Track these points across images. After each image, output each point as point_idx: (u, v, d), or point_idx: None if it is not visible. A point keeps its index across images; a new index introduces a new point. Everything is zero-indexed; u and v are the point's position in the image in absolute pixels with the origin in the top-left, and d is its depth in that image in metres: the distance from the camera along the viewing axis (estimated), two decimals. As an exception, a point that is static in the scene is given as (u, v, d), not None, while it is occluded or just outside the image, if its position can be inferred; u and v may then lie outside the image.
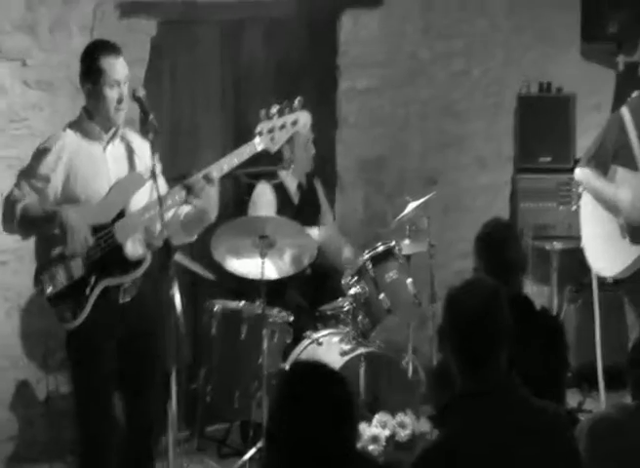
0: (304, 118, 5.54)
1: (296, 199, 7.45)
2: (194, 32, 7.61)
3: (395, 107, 8.27)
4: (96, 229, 5.31)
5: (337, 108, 7.95)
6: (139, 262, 5.34)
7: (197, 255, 6.69)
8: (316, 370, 3.50)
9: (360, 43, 8.09)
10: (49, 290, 5.37)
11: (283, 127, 5.45)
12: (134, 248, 5.34)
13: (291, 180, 7.43)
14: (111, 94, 5.33)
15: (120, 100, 5.34)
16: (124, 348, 5.44)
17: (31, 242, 5.53)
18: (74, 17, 6.94)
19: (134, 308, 5.43)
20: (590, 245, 6.71)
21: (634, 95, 6.75)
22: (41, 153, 5.39)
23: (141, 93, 5.33)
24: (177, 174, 5.63)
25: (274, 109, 5.42)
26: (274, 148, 5.55)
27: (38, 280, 5.44)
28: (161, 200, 5.05)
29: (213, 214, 5.58)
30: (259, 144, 5.43)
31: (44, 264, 5.40)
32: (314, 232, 7.28)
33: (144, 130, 5.32)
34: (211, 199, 5.44)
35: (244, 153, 5.44)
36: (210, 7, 7.44)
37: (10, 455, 7.00)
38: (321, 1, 7.90)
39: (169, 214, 5.42)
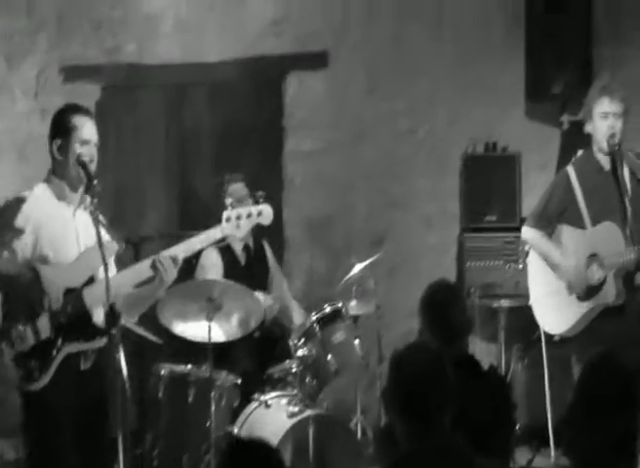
0: (267, 211, 5.66)
1: (242, 260, 7.49)
2: (137, 96, 7.78)
3: (341, 168, 8.38)
4: (66, 292, 5.32)
5: (283, 170, 8.05)
6: (103, 330, 5.25)
7: (143, 319, 6.50)
8: (254, 451, 3.61)
9: (305, 105, 8.24)
10: (17, 348, 5.31)
11: (249, 216, 5.59)
12: (100, 316, 5.28)
13: (237, 243, 7.44)
14: (81, 150, 5.36)
15: (91, 160, 5.38)
16: (79, 413, 5.40)
17: None
18: (17, 81, 7.13)
19: (92, 374, 5.39)
20: (539, 302, 6.81)
21: (579, 154, 6.94)
22: (7, 209, 5.41)
23: (85, 158, 5.34)
24: (123, 236, 5.74)
25: (241, 199, 5.74)
26: (238, 235, 5.77)
27: (3, 338, 5.36)
28: (107, 267, 5.07)
29: (164, 290, 5.62)
30: (225, 229, 5.56)
31: (11, 322, 5.33)
32: (264, 298, 7.27)
33: (89, 194, 5.32)
34: (171, 278, 5.48)
35: (210, 237, 5.57)
36: (152, 71, 7.64)
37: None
38: (265, 63, 8.04)
39: (130, 289, 5.50)
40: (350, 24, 8.35)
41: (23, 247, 5.37)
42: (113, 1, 7.47)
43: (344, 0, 8.31)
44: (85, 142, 5.39)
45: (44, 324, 5.30)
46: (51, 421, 5.39)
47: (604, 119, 6.46)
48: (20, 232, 5.36)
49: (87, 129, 5.43)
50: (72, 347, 5.35)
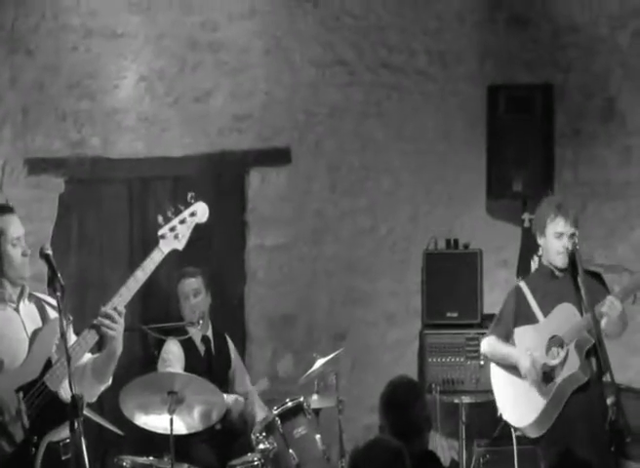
0: (202, 208, 5.62)
1: (202, 351, 7.59)
2: (101, 189, 7.89)
3: (302, 264, 8.50)
4: (28, 388, 5.29)
5: (245, 263, 8.15)
6: (74, 411, 4.99)
7: (105, 410, 6.76)
8: None
9: (268, 200, 8.39)
10: None
11: (183, 222, 5.55)
12: (67, 392, 5.06)
13: (196, 335, 7.58)
14: (14, 251, 5.34)
15: (25, 254, 5.34)
16: None
17: None
18: None
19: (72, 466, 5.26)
20: (504, 402, 6.94)
21: (536, 261, 7.33)
22: None
23: (49, 250, 5.29)
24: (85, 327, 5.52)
25: (169, 212, 5.53)
26: (181, 246, 5.60)
27: None
28: (68, 352, 4.98)
29: (119, 350, 5.43)
30: (165, 246, 5.51)
31: None
32: (228, 397, 7.38)
33: (52, 288, 5.20)
34: (118, 332, 5.33)
35: (153, 261, 5.49)
36: (116, 164, 7.77)
37: None
38: (228, 158, 8.19)
39: (83, 361, 5.41)
40: (313, 122, 8.51)
41: None
42: (79, 94, 7.61)
43: (307, 98, 8.49)
44: (17, 240, 5.34)
45: (16, 428, 5.26)
46: None
47: (558, 239, 6.65)
48: None
49: (14, 227, 5.37)
50: (50, 436, 5.30)
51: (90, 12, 7.63)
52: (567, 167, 8.79)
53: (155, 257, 5.50)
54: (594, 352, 6.69)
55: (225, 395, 7.30)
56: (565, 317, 6.68)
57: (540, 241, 6.83)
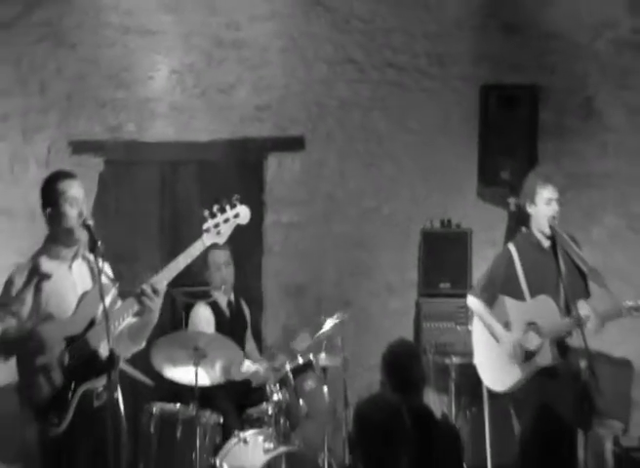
0: (244, 211, 5.64)
1: (227, 314, 7.63)
2: (136, 170, 7.90)
3: (313, 240, 8.49)
4: (71, 340, 5.37)
5: (263, 239, 8.13)
6: (110, 364, 5.08)
7: (138, 363, 6.70)
8: None
9: (283, 183, 8.38)
10: (35, 399, 5.37)
11: (227, 221, 5.57)
12: (106, 350, 5.13)
13: (222, 299, 7.63)
14: (71, 211, 5.40)
15: (81, 215, 5.40)
16: (88, 446, 5.43)
17: None
18: (31, 153, 7.26)
19: (103, 412, 5.28)
20: (482, 363, 7.04)
21: (520, 232, 7.21)
22: (10, 282, 5.44)
23: (90, 222, 5.40)
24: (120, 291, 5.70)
25: (216, 208, 5.58)
26: (222, 241, 5.65)
27: (22, 391, 5.46)
28: (107, 315, 5.08)
29: (156, 319, 5.57)
30: (207, 240, 5.54)
31: (27, 377, 5.40)
32: (249, 364, 7.46)
33: (93, 254, 5.33)
34: (157, 304, 5.46)
35: (196, 249, 5.54)
36: (149, 148, 7.75)
37: None
38: (249, 145, 8.16)
39: (123, 325, 5.50)
40: (325, 113, 8.50)
41: (27, 311, 5.42)
42: (116, 84, 7.60)
43: (320, 92, 8.47)
44: (74, 201, 5.43)
45: (56, 373, 5.34)
46: (67, 456, 5.42)
47: (548, 204, 6.72)
48: (22, 301, 5.41)
49: (73, 189, 5.46)
50: (86, 385, 5.39)
51: (127, 11, 7.64)
52: (549, 158, 8.76)
53: (197, 247, 5.57)
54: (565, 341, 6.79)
55: (248, 363, 7.42)
56: (545, 309, 6.70)
57: (530, 209, 6.86)
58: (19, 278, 5.45)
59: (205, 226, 5.58)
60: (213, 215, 5.58)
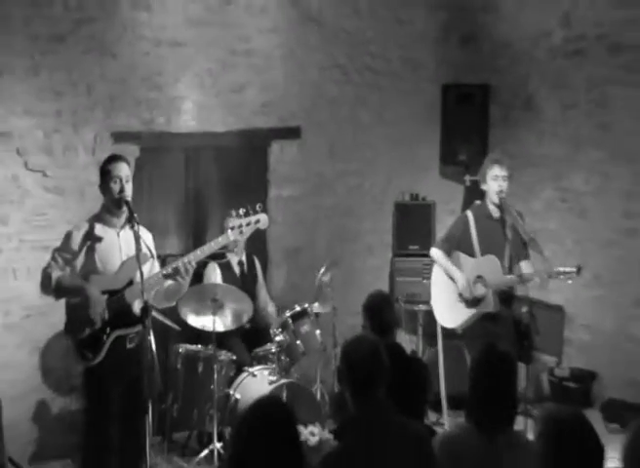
0: (264, 219, 5.55)
1: (237, 272, 7.49)
2: (165, 155, 7.73)
3: (309, 211, 8.39)
4: (112, 293, 5.36)
5: (268, 211, 7.79)
6: (145, 313, 5.11)
7: (168, 312, 6.69)
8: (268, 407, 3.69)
9: (285, 164, 8.24)
10: (77, 337, 5.39)
11: (249, 224, 5.48)
12: (139, 307, 5.29)
13: (233, 259, 7.51)
14: (115, 187, 5.39)
15: (121, 190, 5.39)
16: (124, 380, 5.42)
17: (49, 301, 5.58)
18: (80, 141, 7.08)
19: (135, 352, 5.39)
20: (437, 303, 6.98)
21: (476, 203, 7.10)
22: (70, 235, 5.45)
23: (129, 198, 5.41)
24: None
25: (242, 211, 5.48)
26: (242, 239, 5.61)
27: (68, 329, 5.47)
28: (142, 275, 5.03)
29: (187, 286, 5.58)
30: (231, 236, 5.45)
31: (73, 320, 5.43)
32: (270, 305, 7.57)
33: (131, 225, 5.29)
34: (190, 276, 5.46)
35: (220, 242, 5.45)
36: (176, 137, 7.58)
37: (30, 455, 7.08)
38: (257, 134, 8.00)
39: (159, 287, 5.50)
40: (317, 108, 8.37)
41: (80, 263, 5.43)
42: (150, 86, 7.44)
43: (313, 91, 8.32)
44: (117, 178, 5.41)
45: (97, 318, 5.34)
46: (102, 386, 5.43)
47: (494, 180, 6.60)
48: (77, 253, 5.42)
49: (117, 169, 5.43)
50: (119, 332, 5.41)
51: (158, 26, 7.47)
52: (497, 144, 8.71)
53: (222, 240, 5.50)
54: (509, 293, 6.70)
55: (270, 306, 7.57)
56: (491, 266, 6.57)
57: (484, 186, 6.73)
58: (76, 234, 5.45)
59: (231, 224, 5.52)
60: (239, 216, 5.51)
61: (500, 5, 8.52)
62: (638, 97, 7.49)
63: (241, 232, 5.50)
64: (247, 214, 5.53)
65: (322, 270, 7.43)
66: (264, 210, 5.69)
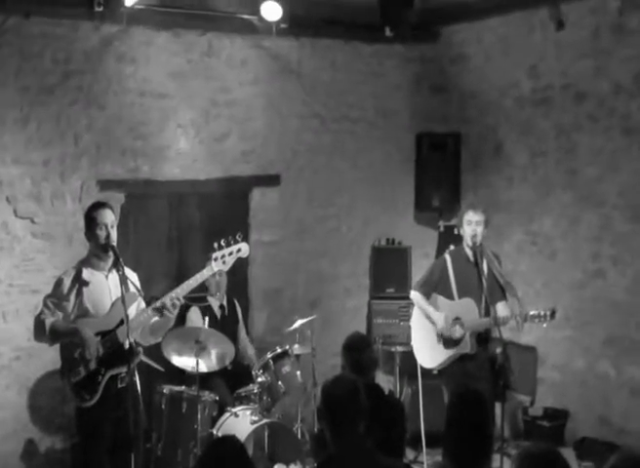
0: (244, 247, 5.62)
1: (218, 315, 7.50)
2: (150, 202, 7.78)
3: (288, 254, 8.43)
4: (104, 334, 5.40)
5: (249, 253, 7.92)
6: (130, 355, 5.25)
7: (152, 353, 6.63)
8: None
9: (265, 209, 8.30)
10: (73, 380, 5.42)
11: (231, 254, 5.56)
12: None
13: (214, 303, 7.52)
14: (100, 233, 5.43)
15: (107, 236, 5.44)
16: (113, 418, 5.46)
17: (37, 343, 5.51)
18: (68, 189, 7.12)
19: (125, 393, 5.40)
20: (417, 344, 7.02)
21: (452, 247, 7.18)
22: (60, 282, 5.49)
23: (114, 243, 5.46)
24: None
25: (223, 242, 5.55)
26: (226, 269, 5.66)
27: (64, 373, 5.49)
28: (127, 317, 5.13)
29: (172, 322, 5.65)
30: (215, 267, 5.53)
31: (69, 363, 5.44)
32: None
33: (116, 268, 5.36)
34: (177, 310, 5.51)
35: (205, 274, 5.52)
36: (160, 185, 7.64)
37: (18, 494, 7.03)
38: (238, 181, 8.08)
39: (145, 323, 5.54)
40: (296, 156, 8.45)
41: (71, 307, 5.46)
42: (135, 136, 7.50)
43: (292, 140, 8.40)
44: (103, 225, 5.45)
45: (91, 362, 5.39)
46: (96, 424, 5.46)
47: (468, 225, 6.69)
48: (67, 297, 5.45)
49: (101, 216, 5.46)
50: (112, 371, 5.44)
51: (143, 79, 7.56)
52: (469, 189, 8.87)
53: (206, 273, 5.57)
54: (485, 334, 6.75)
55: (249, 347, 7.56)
56: (468, 308, 6.65)
57: (461, 231, 6.82)
58: (66, 280, 5.48)
59: (214, 256, 5.58)
60: (220, 248, 5.57)
61: (469, 57, 8.69)
62: (603, 143, 7.66)
63: (224, 262, 5.57)
64: (228, 245, 5.59)
65: (298, 321, 7.46)
66: (240, 235, 5.74)
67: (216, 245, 5.55)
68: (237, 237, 5.63)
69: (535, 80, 8.17)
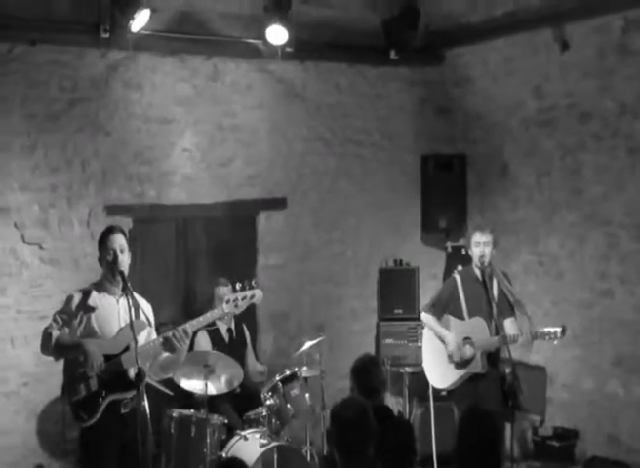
0: (259, 294, 5.63)
1: (227, 339, 7.50)
2: (157, 226, 7.81)
3: (295, 277, 8.44)
4: (108, 357, 5.36)
5: (256, 276, 7.84)
6: (139, 379, 5.13)
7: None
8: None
9: (271, 233, 8.32)
10: (73, 398, 5.39)
11: (244, 299, 5.58)
12: (134, 373, 5.20)
13: (222, 326, 7.52)
14: (109, 258, 5.43)
15: (114, 261, 5.43)
16: (119, 443, 5.41)
17: (45, 369, 5.62)
18: (75, 215, 7.18)
19: (129, 417, 5.35)
20: (428, 365, 6.98)
21: (460, 268, 7.22)
22: (71, 299, 5.50)
23: (122, 268, 5.43)
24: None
25: (238, 285, 5.59)
26: (237, 312, 5.70)
27: (65, 391, 5.47)
28: (136, 342, 5.11)
29: (183, 357, 5.65)
30: (227, 309, 5.58)
31: (71, 381, 5.42)
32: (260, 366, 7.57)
33: (124, 294, 5.36)
34: (185, 346, 5.50)
35: (215, 315, 5.61)
36: (167, 209, 7.68)
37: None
38: (244, 205, 8.10)
39: (156, 355, 5.50)
40: (302, 179, 8.48)
41: (79, 326, 5.44)
42: (141, 161, 7.54)
43: (298, 163, 8.43)
44: (112, 250, 5.45)
45: (93, 381, 5.36)
46: (97, 449, 5.41)
47: (477, 246, 6.70)
48: (75, 315, 5.45)
49: (111, 241, 5.48)
50: (114, 396, 5.40)
51: (148, 105, 7.61)
52: (476, 210, 8.90)
53: (218, 312, 5.65)
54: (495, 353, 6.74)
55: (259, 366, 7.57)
56: (478, 328, 6.65)
57: (470, 252, 6.83)
58: (76, 297, 5.48)
59: (226, 298, 5.65)
60: (235, 290, 5.64)
61: (474, 79, 8.71)
62: (608, 162, 7.68)
63: (236, 306, 5.61)
64: (243, 289, 5.62)
65: (307, 343, 7.44)
66: (251, 273, 5.81)
67: (230, 286, 5.76)
68: (253, 283, 5.68)
69: (540, 100, 8.20)
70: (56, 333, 5.41)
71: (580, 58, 7.70)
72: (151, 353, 5.50)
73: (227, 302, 5.59)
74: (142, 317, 5.44)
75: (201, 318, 5.55)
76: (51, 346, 5.39)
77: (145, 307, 5.61)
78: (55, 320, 5.50)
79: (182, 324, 5.53)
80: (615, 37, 7.40)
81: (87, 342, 5.35)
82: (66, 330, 5.45)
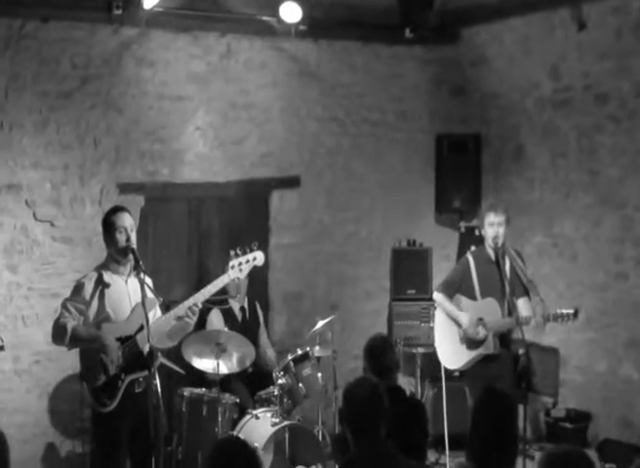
0: (260, 256, 5.73)
1: (239, 318, 7.52)
2: (169, 205, 7.80)
3: (308, 257, 8.43)
4: (124, 339, 5.40)
5: (269, 256, 7.91)
6: (150, 358, 5.25)
7: (172, 356, 6.74)
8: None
9: (284, 213, 8.31)
10: (94, 385, 5.40)
11: (247, 262, 5.65)
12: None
13: (235, 305, 7.54)
14: (120, 237, 5.46)
15: (127, 239, 5.47)
16: (132, 423, 5.44)
17: (57, 347, 5.54)
18: (87, 193, 7.18)
19: (142, 396, 5.37)
20: (440, 346, 6.98)
21: (473, 248, 7.17)
22: (82, 286, 5.48)
23: (134, 246, 5.48)
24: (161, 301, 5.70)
25: (239, 250, 5.65)
26: (242, 276, 5.73)
27: (84, 378, 5.48)
28: (148, 321, 5.13)
29: (191, 327, 5.69)
30: (232, 274, 5.62)
31: (89, 368, 5.44)
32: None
33: (136, 272, 5.37)
34: (196, 316, 5.57)
35: (222, 281, 5.61)
36: (180, 188, 7.67)
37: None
38: (257, 184, 8.09)
39: (166, 327, 5.53)
40: (315, 159, 8.45)
41: (92, 312, 5.45)
42: (154, 139, 7.53)
43: (311, 143, 8.40)
44: (123, 229, 5.48)
45: (112, 366, 5.38)
46: (112, 429, 5.45)
47: (490, 227, 6.67)
48: (89, 303, 5.45)
49: (121, 220, 5.50)
50: (132, 376, 5.43)
51: (161, 82, 7.58)
52: (490, 191, 8.84)
53: (224, 279, 5.66)
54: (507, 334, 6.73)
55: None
56: (491, 309, 6.63)
57: (483, 231, 6.80)
58: (88, 284, 5.47)
59: (230, 264, 5.67)
60: (237, 256, 5.66)
61: (490, 58, 8.64)
62: (624, 144, 7.61)
63: (240, 270, 5.66)
64: (244, 253, 5.69)
65: (320, 322, 7.42)
66: (265, 252, 5.85)
67: (232, 253, 5.68)
68: (252, 245, 5.74)
69: (556, 81, 8.14)
70: (71, 324, 5.38)
71: (597, 39, 7.62)
72: (163, 328, 5.53)
73: (232, 268, 5.63)
74: (150, 294, 5.44)
75: (209, 287, 5.59)
76: (67, 338, 5.37)
77: (150, 283, 5.59)
78: (66, 309, 5.47)
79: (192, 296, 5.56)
80: (633, 17, 7.32)
81: (105, 334, 5.36)
82: (80, 319, 5.44)
